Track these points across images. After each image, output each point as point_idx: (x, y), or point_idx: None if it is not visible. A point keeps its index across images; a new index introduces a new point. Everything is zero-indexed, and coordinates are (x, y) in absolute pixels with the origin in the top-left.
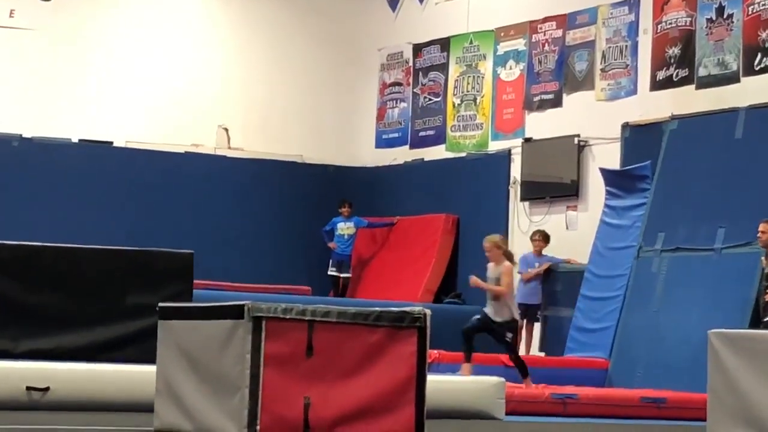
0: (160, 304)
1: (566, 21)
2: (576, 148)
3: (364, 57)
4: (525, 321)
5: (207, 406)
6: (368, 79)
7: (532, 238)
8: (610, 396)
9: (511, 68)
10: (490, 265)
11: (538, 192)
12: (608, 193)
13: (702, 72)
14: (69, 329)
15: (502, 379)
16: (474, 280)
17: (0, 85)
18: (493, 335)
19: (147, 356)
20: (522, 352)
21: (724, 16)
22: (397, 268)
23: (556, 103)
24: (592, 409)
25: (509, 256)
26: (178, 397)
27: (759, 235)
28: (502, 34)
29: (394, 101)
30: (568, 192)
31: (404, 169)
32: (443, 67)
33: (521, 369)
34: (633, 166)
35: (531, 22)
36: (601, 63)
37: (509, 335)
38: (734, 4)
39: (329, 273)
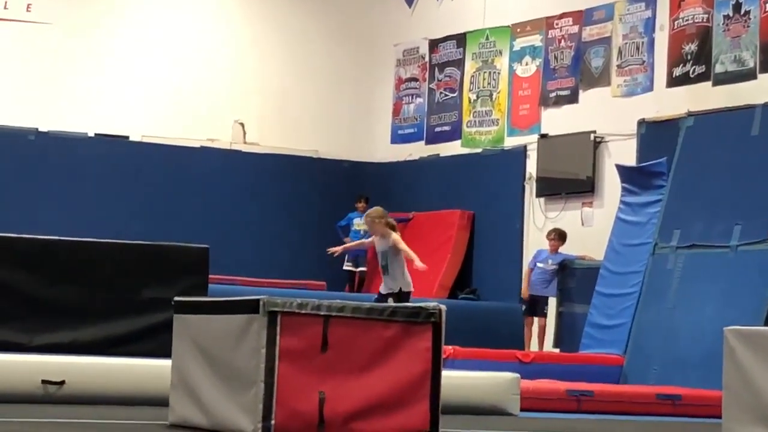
0: (175, 298)
1: (582, 17)
2: (592, 145)
3: (380, 52)
4: (533, 315)
5: (222, 401)
6: (384, 74)
7: (547, 237)
8: (625, 393)
9: (527, 64)
10: (376, 239)
11: (554, 188)
12: (624, 189)
13: (718, 69)
14: (84, 323)
15: (517, 375)
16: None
17: (16, 79)
18: None
19: (162, 350)
20: (533, 348)
21: (741, 13)
22: (412, 263)
23: (572, 99)
24: (607, 406)
25: (393, 227)
26: (193, 391)
27: None
28: (519, 30)
29: (410, 97)
30: (583, 188)
31: (420, 164)
32: (459, 63)
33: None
34: (649, 163)
35: (547, 18)
36: (617, 59)
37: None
38: (751, 0)
39: (344, 268)
